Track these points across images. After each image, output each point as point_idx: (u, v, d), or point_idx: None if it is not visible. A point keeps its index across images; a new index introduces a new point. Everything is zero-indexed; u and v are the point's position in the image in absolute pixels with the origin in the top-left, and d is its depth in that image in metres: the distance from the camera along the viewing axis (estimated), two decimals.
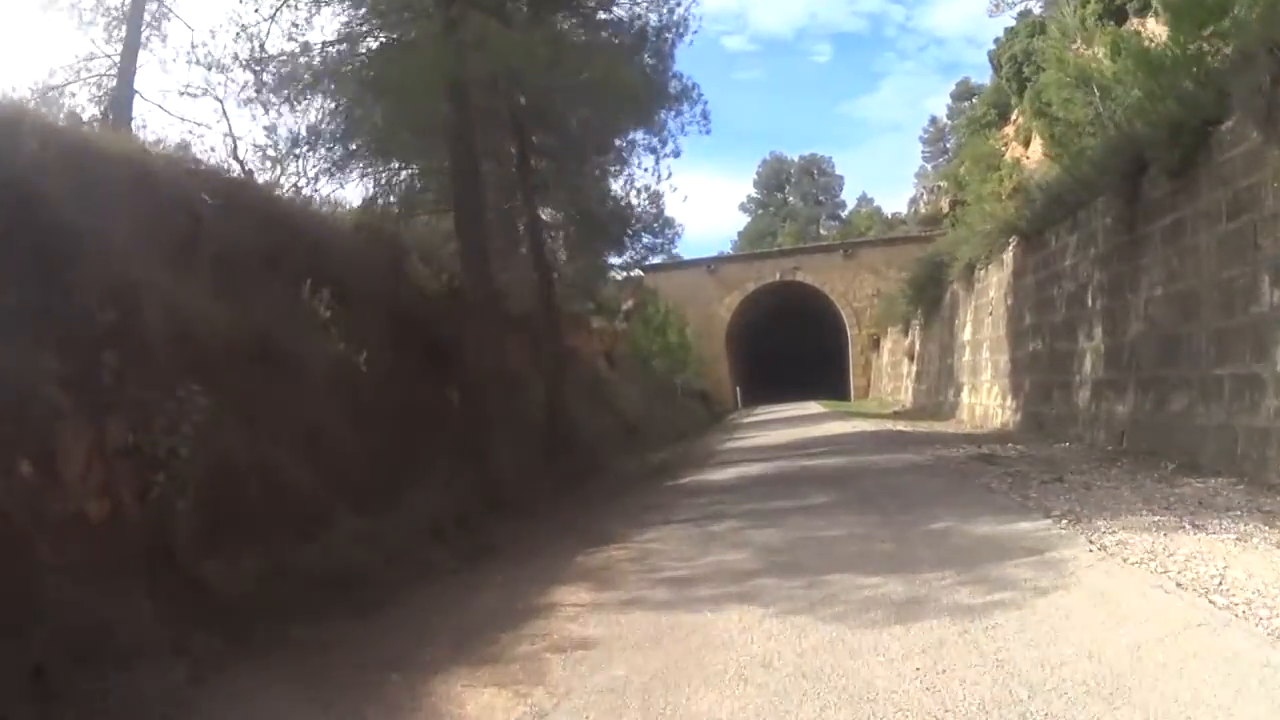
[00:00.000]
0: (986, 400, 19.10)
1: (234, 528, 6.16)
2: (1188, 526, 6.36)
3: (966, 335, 21.62)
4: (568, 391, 17.09)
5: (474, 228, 12.67)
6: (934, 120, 66.46)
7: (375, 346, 9.74)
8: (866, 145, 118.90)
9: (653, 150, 15.74)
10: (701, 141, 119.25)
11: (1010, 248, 17.79)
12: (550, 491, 12.21)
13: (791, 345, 52.25)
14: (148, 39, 13.98)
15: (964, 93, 57.94)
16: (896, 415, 25.75)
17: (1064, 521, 7.10)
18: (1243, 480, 8.15)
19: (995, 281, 18.96)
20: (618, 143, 15.78)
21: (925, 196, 53.88)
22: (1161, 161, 11.39)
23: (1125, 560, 5.63)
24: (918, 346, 28.29)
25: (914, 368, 28.68)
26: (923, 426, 19.64)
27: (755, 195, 78.56)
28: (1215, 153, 9.84)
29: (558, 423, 15.16)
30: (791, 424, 25.00)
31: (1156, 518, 6.77)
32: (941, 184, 52.87)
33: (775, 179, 78.26)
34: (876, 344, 40.41)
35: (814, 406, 35.63)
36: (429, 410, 11.55)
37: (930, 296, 25.62)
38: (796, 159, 78.32)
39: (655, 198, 16.40)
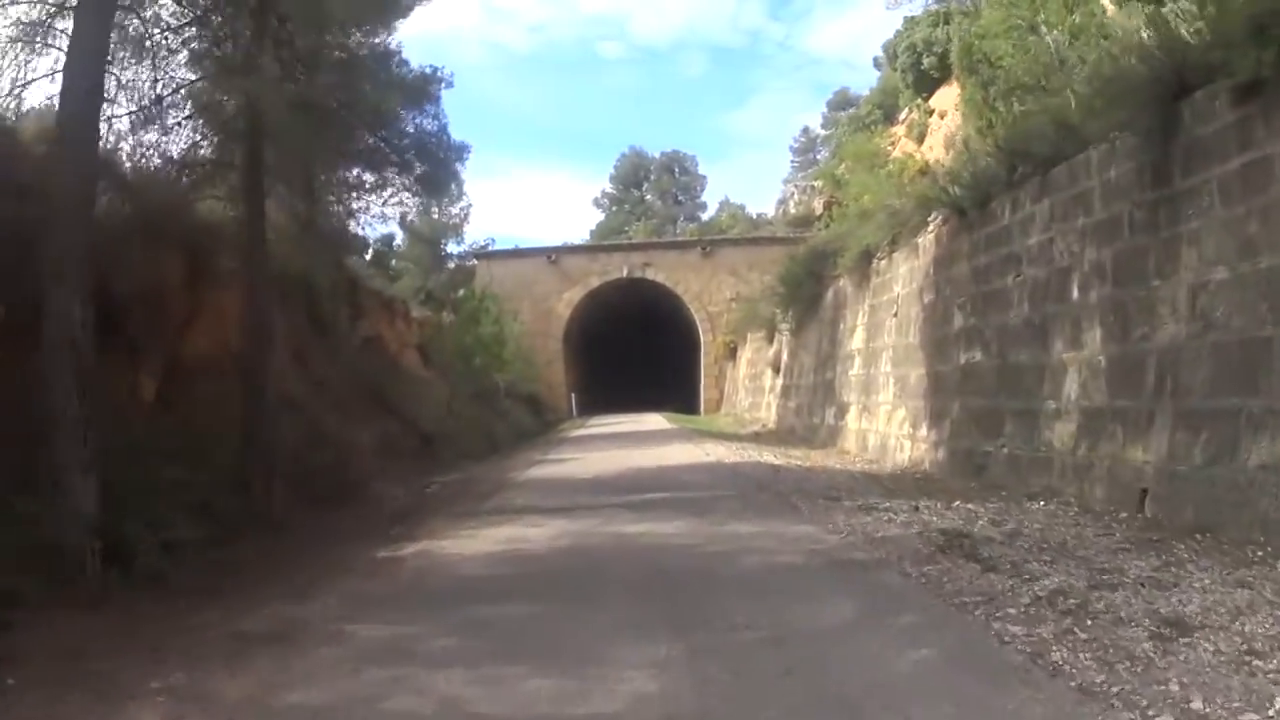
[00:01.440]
0: (885, 427, 14.58)
1: None
2: None
3: (856, 343, 17.16)
4: (304, 389, 11.52)
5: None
6: (806, 130, 63.47)
7: None
8: (734, 159, 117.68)
9: None
10: (562, 144, 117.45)
11: (931, 228, 13.33)
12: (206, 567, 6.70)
13: (637, 350, 47.89)
14: None
15: (841, 102, 55.54)
16: (758, 437, 21.15)
17: None
18: None
19: (904, 273, 14.49)
20: None
21: (796, 197, 50.03)
22: (1229, 73, 7.10)
23: None
24: (785, 357, 23.88)
25: (779, 381, 24.26)
26: (797, 457, 14.96)
27: (611, 191, 73.71)
28: None
29: (258, 435, 9.56)
30: (626, 442, 20.06)
31: None
32: (815, 184, 49.44)
33: (634, 175, 73.46)
34: (734, 353, 36.09)
35: (657, 420, 30.83)
36: None
37: (806, 296, 21.18)
38: (658, 155, 73.96)
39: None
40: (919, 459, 12.68)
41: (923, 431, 12.86)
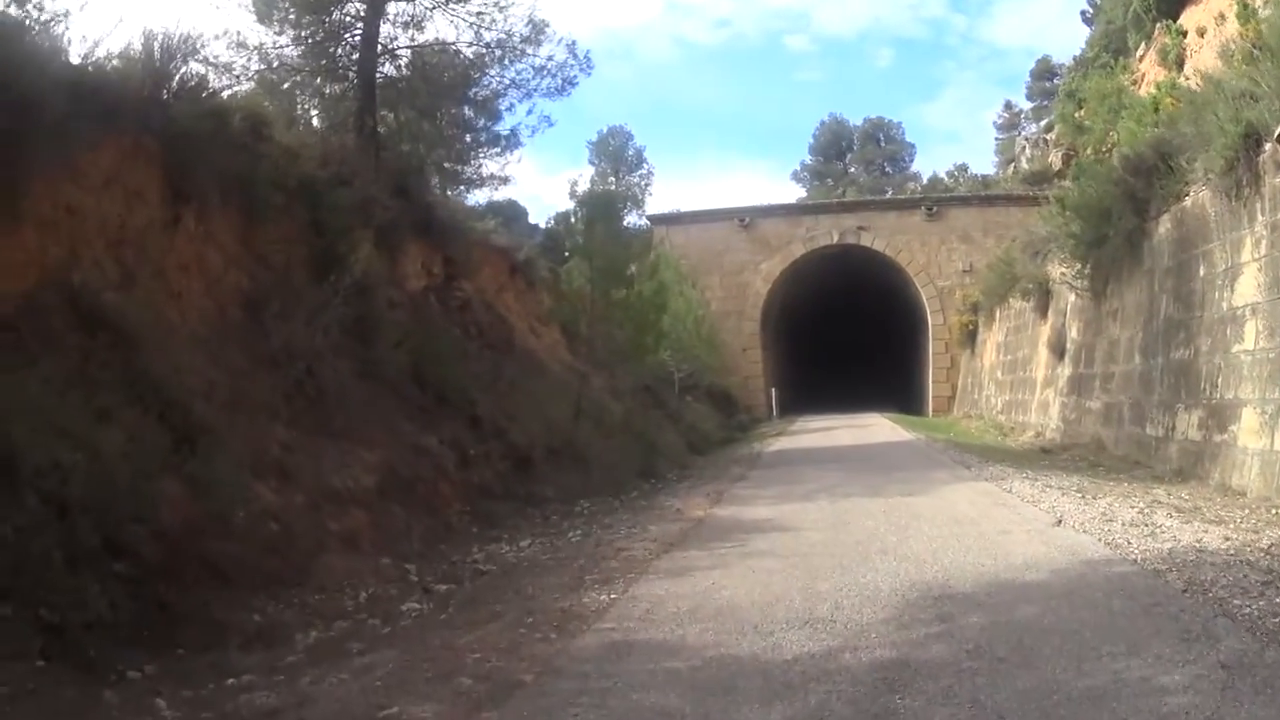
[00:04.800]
0: None
1: None
2: None
3: (1244, 295, 9.80)
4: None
5: None
6: (1009, 105, 58.90)
7: None
8: (929, 154, 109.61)
9: None
10: (751, 139, 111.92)
11: None
12: None
13: (848, 335, 40.63)
14: None
15: (1043, 71, 52.24)
16: (1051, 457, 13.94)
17: None
18: None
19: None
20: None
21: (1027, 152, 41.48)
22: None
23: None
24: (1075, 332, 16.29)
25: (1065, 369, 16.66)
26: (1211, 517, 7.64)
27: (810, 163, 66.37)
28: None
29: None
30: (861, 469, 12.90)
31: None
32: (1047, 137, 41.01)
33: (834, 145, 65.99)
34: (972, 337, 28.31)
35: (884, 426, 23.64)
36: None
37: (1117, 234, 13.64)
38: (860, 122, 66.04)
39: None
40: None
41: None
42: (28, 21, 6.85)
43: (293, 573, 5.46)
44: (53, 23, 7.11)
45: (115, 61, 7.92)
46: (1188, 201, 11.95)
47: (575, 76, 16.07)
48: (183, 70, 8.48)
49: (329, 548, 6.19)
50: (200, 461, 5.53)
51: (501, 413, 11.50)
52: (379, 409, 9.07)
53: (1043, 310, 18.54)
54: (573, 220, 16.50)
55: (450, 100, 15.72)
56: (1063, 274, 15.84)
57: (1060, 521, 7.59)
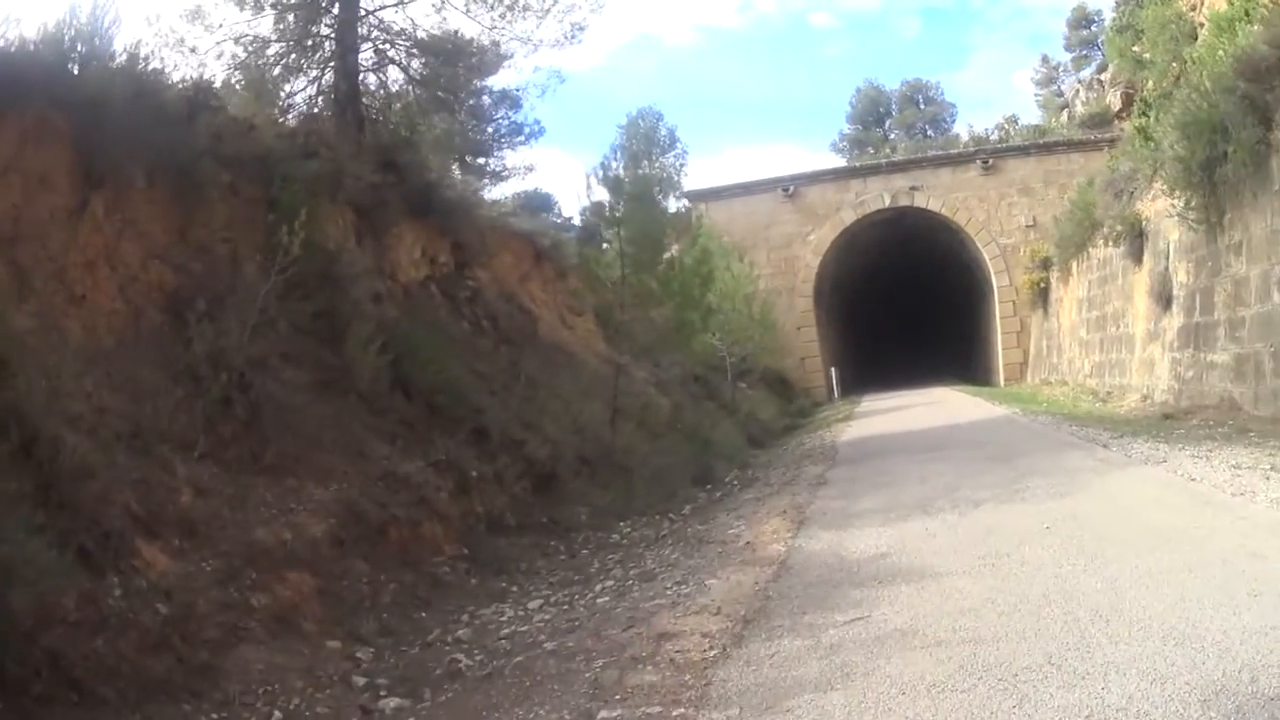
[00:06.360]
0: None
1: None
2: None
3: None
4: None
5: None
6: (1045, 59, 55.15)
7: None
8: (963, 119, 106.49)
9: None
10: (781, 119, 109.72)
11: None
12: None
13: (905, 303, 38.38)
14: None
15: (1080, 19, 48.80)
16: (1182, 419, 11.92)
17: None
18: None
19: None
20: None
21: (1082, 95, 38.70)
22: None
23: None
24: (1184, 274, 14.09)
25: (1174, 320, 14.45)
26: None
27: (849, 132, 63.77)
28: None
29: None
30: (977, 458, 10.33)
31: None
32: (1102, 78, 38.35)
33: (872, 111, 63.24)
34: (1044, 295, 25.98)
35: (960, 400, 21.58)
36: None
37: (1238, 151, 11.48)
38: (898, 86, 63.27)
39: None
40: None
41: None
42: None
43: (189, 677, 3.74)
44: None
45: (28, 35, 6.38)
46: None
47: (585, 21, 14.25)
48: (102, 38, 6.89)
49: (248, 634, 4.40)
50: (67, 517, 3.87)
51: (517, 420, 9.43)
52: (342, 429, 7.09)
53: (1137, 255, 16.29)
54: (603, 199, 14.59)
55: (454, 79, 14.11)
56: (1171, 205, 13.60)
57: None
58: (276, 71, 12.11)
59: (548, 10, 13.75)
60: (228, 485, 5.28)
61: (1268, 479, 7.03)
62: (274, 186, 7.52)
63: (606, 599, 6.03)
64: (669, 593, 5.89)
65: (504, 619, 5.69)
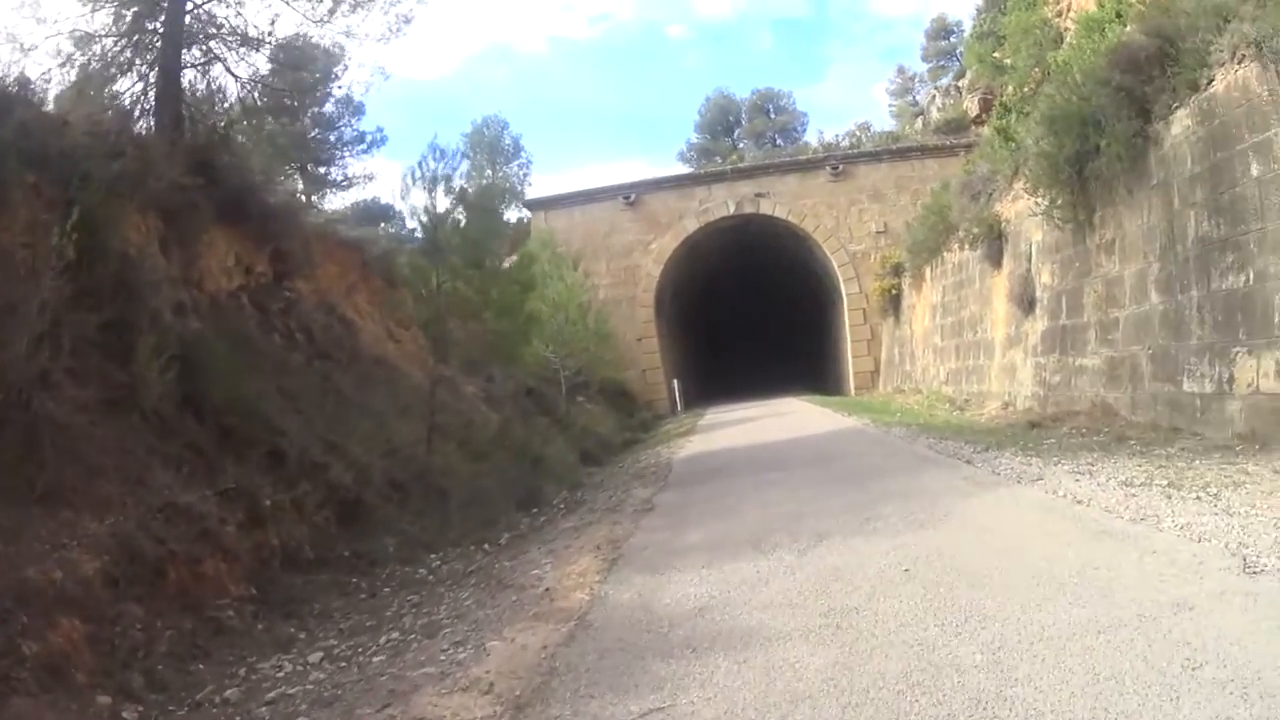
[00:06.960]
0: None
1: None
2: None
3: None
4: None
5: None
6: (901, 70, 55.30)
7: None
8: (817, 130, 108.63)
9: None
10: (633, 133, 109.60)
11: None
12: None
13: (751, 314, 37.67)
14: None
15: (939, 30, 49.75)
16: (1050, 428, 10.81)
17: None
18: None
19: None
20: None
21: (938, 101, 38.93)
22: None
23: None
24: (1048, 277, 13.19)
25: (1038, 324, 13.51)
26: None
27: (697, 141, 63.28)
28: None
29: None
30: (826, 479, 8.92)
31: None
32: (959, 85, 38.87)
33: (722, 120, 62.94)
34: (896, 303, 25.42)
35: (811, 411, 20.44)
36: None
37: (1116, 145, 10.52)
38: (749, 95, 63.26)
39: None
40: None
41: None
42: None
43: None
44: None
45: None
46: (1217, 87, 8.98)
47: (410, 13, 12.75)
48: None
49: (20, 685, 3.90)
50: None
51: (322, 442, 7.98)
52: (125, 453, 6.03)
53: (996, 258, 15.45)
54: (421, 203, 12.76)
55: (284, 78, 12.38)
56: (1035, 205, 12.66)
57: (1246, 563, 4.23)
58: (109, 69, 11.16)
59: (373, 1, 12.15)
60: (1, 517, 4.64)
61: (1169, 498, 5.87)
62: (73, 187, 6.49)
63: (383, 658, 5.05)
64: (443, 657, 4.84)
65: (280, 675, 4.91)
